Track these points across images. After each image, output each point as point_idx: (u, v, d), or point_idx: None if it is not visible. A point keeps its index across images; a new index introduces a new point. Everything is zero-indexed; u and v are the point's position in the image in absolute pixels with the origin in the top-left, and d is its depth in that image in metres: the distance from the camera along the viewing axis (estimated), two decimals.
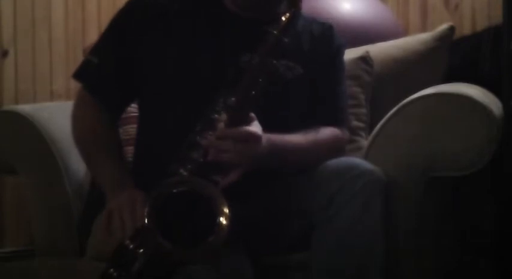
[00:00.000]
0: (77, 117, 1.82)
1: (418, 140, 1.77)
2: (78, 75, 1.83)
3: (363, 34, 2.36)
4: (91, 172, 1.92)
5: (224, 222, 1.49)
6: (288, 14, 1.66)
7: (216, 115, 1.59)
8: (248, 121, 1.60)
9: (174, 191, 1.52)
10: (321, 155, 1.72)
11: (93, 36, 2.78)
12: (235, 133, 1.58)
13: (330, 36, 1.89)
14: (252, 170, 1.59)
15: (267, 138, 1.63)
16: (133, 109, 1.95)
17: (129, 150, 1.92)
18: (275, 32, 1.64)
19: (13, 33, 2.70)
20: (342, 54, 1.93)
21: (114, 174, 1.69)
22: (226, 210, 1.50)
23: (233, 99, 1.59)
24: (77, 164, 2.13)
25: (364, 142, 2.08)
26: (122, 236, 1.52)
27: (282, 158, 1.69)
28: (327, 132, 1.81)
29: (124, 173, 1.70)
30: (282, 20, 1.65)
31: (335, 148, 1.82)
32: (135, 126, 1.91)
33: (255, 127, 1.61)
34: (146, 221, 1.48)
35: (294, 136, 1.73)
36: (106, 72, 1.79)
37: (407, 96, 1.84)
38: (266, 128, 1.63)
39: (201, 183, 1.53)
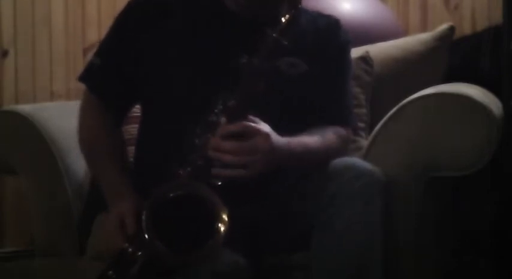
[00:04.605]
0: (82, 121, 1.83)
1: (418, 140, 1.77)
2: (82, 77, 1.84)
3: (363, 34, 2.36)
4: (94, 177, 1.95)
5: (222, 227, 1.49)
6: (288, 16, 1.65)
7: (215, 118, 1.59)
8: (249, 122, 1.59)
9: (172, 195, 1.52)
10: (329, 157, 1.72)
11: (93, 36, 2.78)
12: (238, 128, 1.57)
13: (336, 31, 1.86)
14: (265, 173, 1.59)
15: (286, 141, 1.63)
16: (134, 108, 1.95)
17: (131, 150, 1.92)
18: (274, 35, 1.63)
19: (13, 33, 2.70)
20: (348, 51, 1.89)
21: (114, 184, 1.71)
22: (224, 215, 1.50)
23: (232, 101, 1.59)
24: (77, 164, 2.13)
25: (364, 142, 2.08)
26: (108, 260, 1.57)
27: (299, 162, 1.69)
28: (333, 132, 1.79)
29: (123, 182, 1.71)
30: (281, 21, 1.65)
31: (341, 148, 1.81)
32: (136, 125, 1.91)
33: (260, 126, 1.59)
34: (144, 225, 1.49)
35: (307, 138, 1.72)
36: (109, 73, 1.79)
37: (407, 96, 1.84)
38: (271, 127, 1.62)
39: (199, 187, 1.53)
